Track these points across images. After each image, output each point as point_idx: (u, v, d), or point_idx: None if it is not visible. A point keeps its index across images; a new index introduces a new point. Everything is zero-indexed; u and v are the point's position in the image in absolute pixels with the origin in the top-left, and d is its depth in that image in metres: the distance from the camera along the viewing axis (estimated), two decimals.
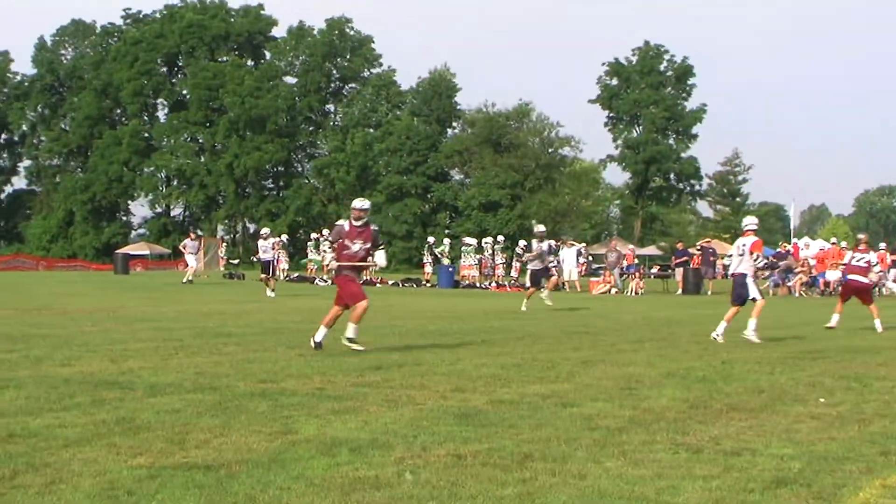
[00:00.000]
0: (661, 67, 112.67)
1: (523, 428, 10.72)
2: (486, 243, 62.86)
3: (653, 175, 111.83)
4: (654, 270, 65.34)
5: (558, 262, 57.03)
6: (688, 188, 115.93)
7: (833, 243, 61.14)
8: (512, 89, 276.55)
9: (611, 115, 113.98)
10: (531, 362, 16.93)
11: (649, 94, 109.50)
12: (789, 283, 53.96)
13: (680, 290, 53.73)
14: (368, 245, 18.83)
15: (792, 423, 11.38)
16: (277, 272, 47.87)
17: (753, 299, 22.07)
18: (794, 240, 69.50)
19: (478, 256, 61.03)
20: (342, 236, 18.78)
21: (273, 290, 40.47)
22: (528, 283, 36.15)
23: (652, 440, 10.18)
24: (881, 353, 19.77)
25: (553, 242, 35.60)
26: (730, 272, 23.32)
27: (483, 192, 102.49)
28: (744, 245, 22.31)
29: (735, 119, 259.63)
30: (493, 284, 57.63)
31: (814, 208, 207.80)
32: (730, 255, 24.12)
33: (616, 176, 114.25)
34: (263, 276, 42.25)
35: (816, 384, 14.73)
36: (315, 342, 18.33)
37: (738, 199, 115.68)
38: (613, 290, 53.36)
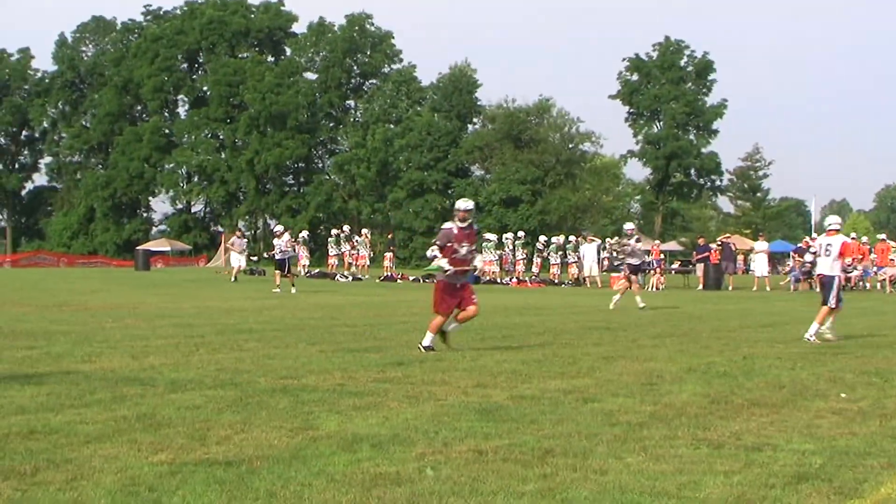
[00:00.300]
0: (682, 63, 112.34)
1: (544, 423, 10.72)
2: (506, 239, 62.86)
3: (673, 170, 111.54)
4: (675, 266, 65.26)
5: (578, 258, 57.07)
6: (708, 184, 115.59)
7: (853, 238, 60.91)
8: (533, 85, 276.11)
9: (631, 110, 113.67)
10: (552, 358, 16.92)
11: (669, 90, 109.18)
12: (810, 280, 53.80)
13: (701, 286, 53.65)
14: (474, 247, 18.58)
15: (813, 418, 11.36)
16: (297, 268, 47.56)
17: (826, 302, 21.59)
18: (814, 235, 69.28)
19: (498, 252, 61.04)
20: (451, 240, 18.15)
21: (282, 287, 40.66)
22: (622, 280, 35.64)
23: (673, 435, 10.16)
24: None
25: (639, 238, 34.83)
26: (815, 272, 22.82)
27: (503, 188, 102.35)
28: (830, 245, 21.78)
29: (756, 114, 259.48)
30: (514, 280, 57.61)
31: (835, 203, 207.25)
32: (813, 252, 23.32)
33: (636, 171, 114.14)
34: (277, 272, 42.46)
35: (837, 379, 14.69)
36: (424, 347, 17.70)
37: (758, 195, 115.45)
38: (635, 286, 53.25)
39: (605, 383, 13.90)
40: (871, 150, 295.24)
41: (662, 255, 63.58)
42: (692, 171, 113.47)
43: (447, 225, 18.70)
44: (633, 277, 33.83)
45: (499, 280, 57.87)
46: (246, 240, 63.76)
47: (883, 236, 60.32)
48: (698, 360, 17.10)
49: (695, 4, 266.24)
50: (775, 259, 75.87)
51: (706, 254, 55.42)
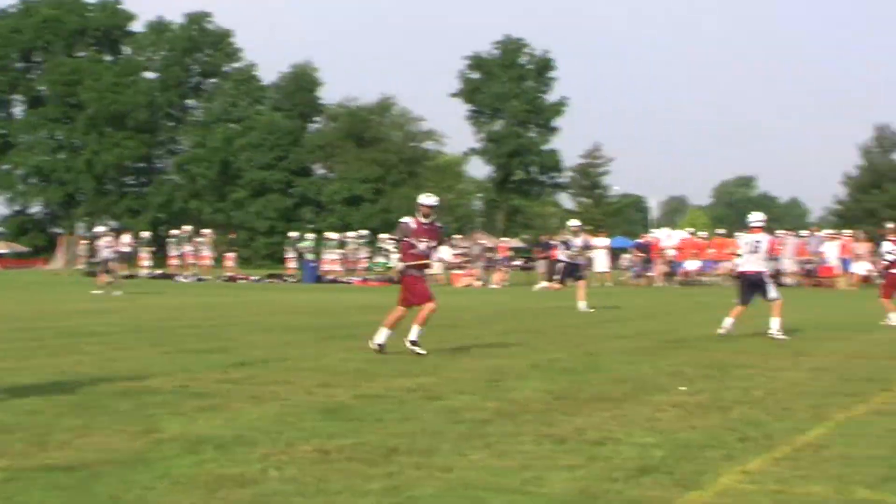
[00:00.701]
0: (522, 61, 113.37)
1: (389, 422, 10.71)
2: (349, 238, 62.83)
3: (515, 168, 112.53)
4: (518, 262, 65.75)
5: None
6: (550, 180, 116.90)
7: (691, 233, 62.09)
8: (375, 84, 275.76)
9: (472, 108, 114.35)
10: (396, 356, 16.91)
11: (510, 88, 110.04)
12: (650, 274, 54.70)
13: (543, 283, 54.10)
14: (434, 243, 18.21)
15: (654, 411, 11.52)
16: (112, 268, 45.88)
17: (773, 298, 21.71)
18: (653, 231, 70.51)
19: (341, 251, 61.00)
20: (408, 234, 17.89)
21: (103, 289, 40.05)
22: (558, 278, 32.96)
23: (517, 432, 10.22)
24: (740, 342, 20.11)
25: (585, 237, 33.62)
26: (738, 270, 22.63)
27: (346, 187, 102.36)
28: (758, 242, 21.90)
29: (596, 112, 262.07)
30: (357, 279, 57.59)
31: (673, 199, 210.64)
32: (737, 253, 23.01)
33: (479, 169, 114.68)
34: (101, 273, 41.81)
35: (678, 373, 14.94)
36: (378, 345, 17.53)
37: (599, 192, 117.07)
38: (478, 283, 53.63)
39: (449, 381, 13.94)
40: (708, 146, 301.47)
41: (511, 252, 64.01)
42: (534, 169, 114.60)
43: (406, 219, 18.42)
44: (567, 279, 32.39)
45: (342, 279, 57.79)
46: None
47: (722, 231, 61.58)
48: (542, 356, 17.26)
49: (534, 3, 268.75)
50: (616, 255, 76.83)
51: (547, 250, 55.94)
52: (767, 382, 14.00)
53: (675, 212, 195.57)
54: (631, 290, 38.25)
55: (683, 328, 23.28)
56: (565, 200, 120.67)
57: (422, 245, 17.82)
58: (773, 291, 21.52)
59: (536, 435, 10.04)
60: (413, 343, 17.35)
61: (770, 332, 20.91)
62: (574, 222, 34.14)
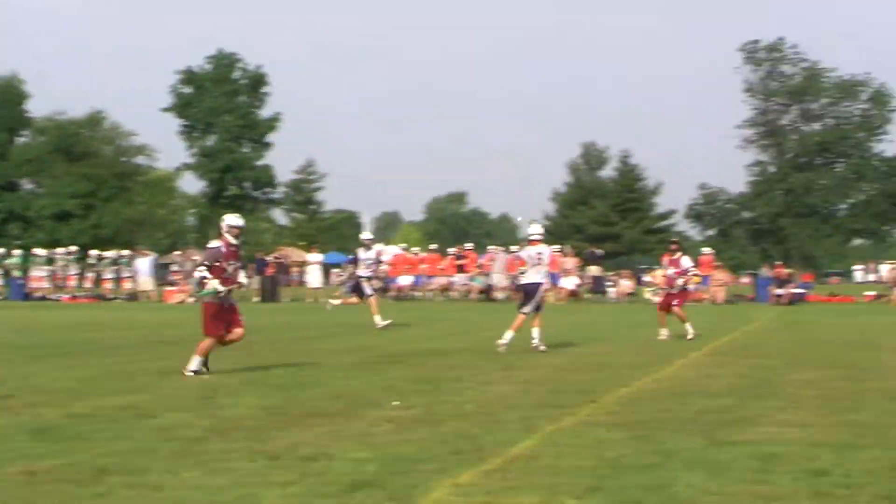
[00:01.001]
0: (235, 76, 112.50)
1: (99, 441, 10.50)
2: (58, 254, 61.22)
3: (229, 183, 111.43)
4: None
5: (133, 273, 56.34)
6: (263, 196, 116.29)
7: (404, 249, 62.76)
8: (85, 97, 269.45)
9: (185, 123, 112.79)
10: (108, 374, 16.61)
11: (223, 103, 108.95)
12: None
13: (258, 298, 53.92)
14: (239, 265, 17.69)
15: (368, 426, 11.60)
16: None
17: (538, 308, 21.89)
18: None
19: (50, 268, 59.40)
20: (219, 259, 17.26)
21: None
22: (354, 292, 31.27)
23: (230, 449, 10.16)
24: (452, 356, 20.43)
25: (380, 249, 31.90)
26: (521, 281, 22.64)
27: (55, 202, 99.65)
28: (539, 254, 22.11)
29: (310, 128, 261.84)
30: (67, 296, 56.16)
31: (387, 215, 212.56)
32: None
33: (192, 184, 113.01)
34: None
35: (391, 388, 15.07)
36: (193, 371, 16.82)
37: (312, 207, 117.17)
38: (190, 299, 52.96)
39: (162, 398, 13.75)
40: (420, 162, 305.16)
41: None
42: (247, 184, 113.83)
43: (215, 243, 17.77)
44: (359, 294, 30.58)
45: (51, 297, 56.29)
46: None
47: (434, 247, 62.59)
48: (254, 372, 17.17)
49: (248, 18, 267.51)
50: (329, 270, 77.01)
51: (263, 266, 55.75)
52: (479, 396, 14.26)
53: (388, 227, 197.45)
54: (343, 306, 38.04)
55: (397, 343, 23.49)
56: (280, 216, 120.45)
57: (230, 269, 17.36)
58: (534, 304, 21.93)
59: (249, 451, 10.00)
60: (195, 372, 16.80)
61: (533, 342, 21.42)
62: (366, 235, 32.28)
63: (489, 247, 58.91)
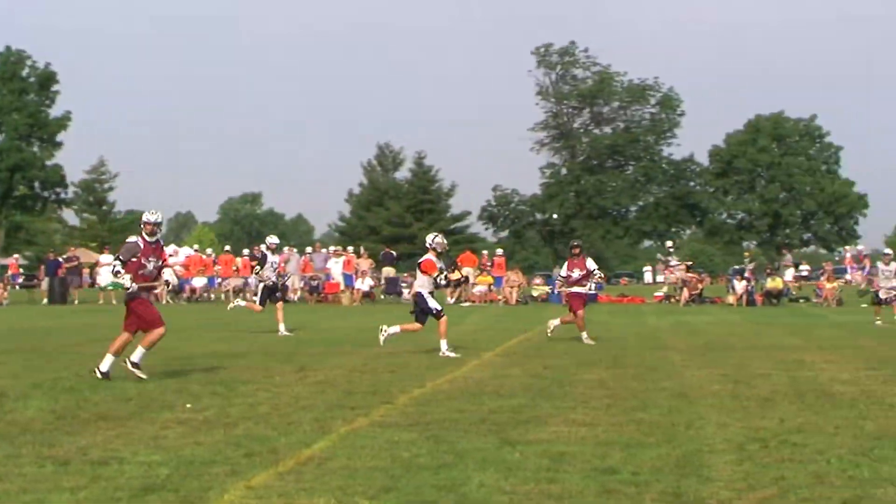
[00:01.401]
0: (24, 73, 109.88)
1: None
2: None
3: (17, 183, 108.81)
4: (20, 280, 63.71)
5: None
6: (54, 196, 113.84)
7: (197, 250, 62.06)
8: None
9: None
10: None
11: (11, 101, 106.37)
12: (156, 291, 54.14)
13: (46, 300, 52.81)
14: (161, 263, 17.06)
15: (160, 429, 11.47)
16: None
17: (438, 313, 21.74)
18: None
19: None
20: (136, 254, 16.71)
21: None
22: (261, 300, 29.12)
23: (17, 454, 9.94)
24: (246, 358, 20.33)
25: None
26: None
27: None
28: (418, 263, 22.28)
29: (103, 127, 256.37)
30: None
31: (180, 216, 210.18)
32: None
33: None
34: None
35: (184, 390, 14.92)
36: (102, 372, 16.24)
37: (104, 208, 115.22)
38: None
39: None
40: (214, 161, 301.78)
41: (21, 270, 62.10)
42: (36, 184, 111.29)
43: (132, 239, 17.27)
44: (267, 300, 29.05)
45: None
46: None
47: (228, 248, 62.04)
48: (44, 375, 16.82)
49: (38, 16, 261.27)
50: None
51: (55, 268, 54.58)
52: (273, 398, 14.22)
53: (182, 228, 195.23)
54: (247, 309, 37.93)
55: (190, 345, 23.24)
56: (71, 217, 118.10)
57: (150, 265, 16.91)
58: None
59: (38, 457, 9.80)
60: (134, 365, 16.42)
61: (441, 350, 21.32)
62: (272, 239, 30.43)
63: (284, 248, 58.59)
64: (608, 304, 52.51)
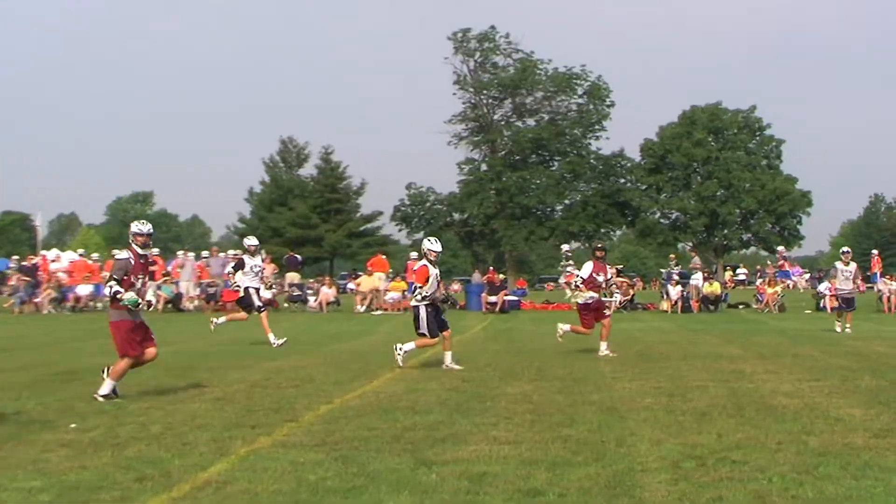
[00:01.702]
0: None
1: None
2: None
3: None
4: None
5: None
6: None
7: (83, 255, 61.43)
8: None
9: None
10: None
11: None
12: (37, 300, 53.57)
13: None
14: (147, 279, 16.83)
15: (41, 452, 11.35)
16: None
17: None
18: (42, 252, 69.24)
19: None
20: (128, 271, 16.40)
21: None
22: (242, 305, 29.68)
23: None
24: (137, 373, 20.08)
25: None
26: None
27: None
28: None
29: None
30: None
31: (63, 217, 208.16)
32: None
33: None
34: None
35: (69, 409, 14.78)
36: (103, 396, 16.02)
37: None
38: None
39: None
40: (100, 159, 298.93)
41: None
42: None
43: (123, 255, 16.82)
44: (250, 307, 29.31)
45: None
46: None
47: (117, 251, 61.36)
48: None
49: None
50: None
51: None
52: (166, 416, 14.11)
53: (65, 230, 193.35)
54: (15, 319, 37.07)
55: (74, 359, 23.01)
56: None
57: (139, 283, 16.64)
58: None
59: None
60: (105, 397, 16.11)
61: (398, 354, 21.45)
62: (251, 240, 30.71)
63: (178, 252, 58.07)
64: (532, 311, 52.59)
